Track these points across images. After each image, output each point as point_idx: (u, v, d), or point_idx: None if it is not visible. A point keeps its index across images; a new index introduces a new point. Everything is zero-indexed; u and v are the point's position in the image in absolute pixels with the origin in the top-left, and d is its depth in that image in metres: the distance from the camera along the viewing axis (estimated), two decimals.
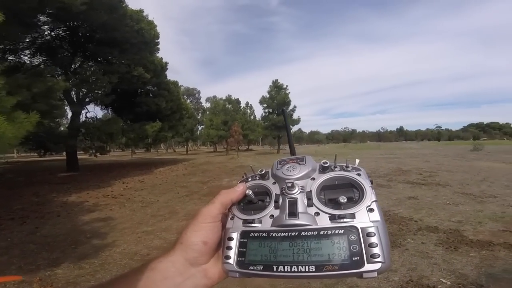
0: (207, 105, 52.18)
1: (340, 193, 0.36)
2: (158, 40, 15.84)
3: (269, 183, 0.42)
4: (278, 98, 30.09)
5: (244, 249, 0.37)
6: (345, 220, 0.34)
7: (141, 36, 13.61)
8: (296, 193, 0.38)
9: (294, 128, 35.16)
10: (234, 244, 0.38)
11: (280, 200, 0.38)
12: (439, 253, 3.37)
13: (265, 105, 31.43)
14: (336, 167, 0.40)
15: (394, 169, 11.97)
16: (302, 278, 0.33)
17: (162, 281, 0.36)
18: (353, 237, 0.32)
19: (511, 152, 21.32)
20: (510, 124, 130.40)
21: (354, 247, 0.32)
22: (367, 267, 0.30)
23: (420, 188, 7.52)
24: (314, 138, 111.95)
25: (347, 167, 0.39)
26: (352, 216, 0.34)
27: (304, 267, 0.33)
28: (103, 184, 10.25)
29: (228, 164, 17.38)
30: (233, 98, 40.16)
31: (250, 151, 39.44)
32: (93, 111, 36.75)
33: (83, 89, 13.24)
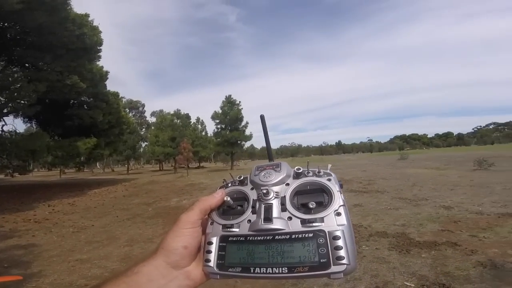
0: (152, 119, 48.79)
1: (311, 198, 0.38)
2: (101, 47, 14.68)
3: (247, 189, 0.43)
4: (231, 114, 29.89)
5: (223, 253, 0.39)
6: (314, 224, 0.36)
7: (81, 42, 12.46)
8: (271, 198, 0.39)
9: (247, 144, 35.19)
10: (213, 248, 0.39)
11: (257, 206, 0.40)
12: (395, 257, 3.49)
13: (217, 121, 30.90)
14: (309, 172, 0.41)
15: (338, 179, 12.81)
16: (276, 279, 0.36)
17: (146, 283, 0.37)
18: (321, 240, 0.34)
19: (430, 159, 25.11)
20: (427, 135, 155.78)
21: (322, 250, 0.34)
22: (333, 268, 0.32)
23: (363, 195, 8.05)
24: (265, 153, 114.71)
25: (319, 172, 0.41)
26: (321, 220, 0.36)
27: (278, 268, 0.35)
28: (23, 207, 8.92)
29: (176, 183, 16.36)
30: (182, 113, 38.43)
31: (202, 169, 37.95)
32: (12, 124, 31.03)
33: (1, 98, 11.34)
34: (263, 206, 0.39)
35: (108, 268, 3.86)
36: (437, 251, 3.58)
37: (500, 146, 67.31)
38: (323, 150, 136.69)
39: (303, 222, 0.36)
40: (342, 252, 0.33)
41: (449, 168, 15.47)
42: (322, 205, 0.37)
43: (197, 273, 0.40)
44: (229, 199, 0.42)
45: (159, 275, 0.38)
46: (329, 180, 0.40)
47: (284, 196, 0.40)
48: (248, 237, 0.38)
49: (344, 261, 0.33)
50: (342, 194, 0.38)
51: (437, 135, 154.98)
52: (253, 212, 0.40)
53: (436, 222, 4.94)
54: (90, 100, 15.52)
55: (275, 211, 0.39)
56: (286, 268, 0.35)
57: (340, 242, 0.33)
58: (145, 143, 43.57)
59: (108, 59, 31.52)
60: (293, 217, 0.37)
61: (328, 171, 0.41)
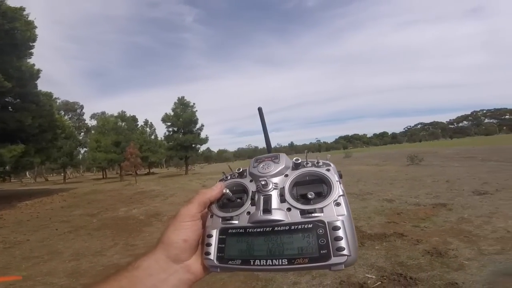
0: (93, 122, 43.90)
1: (310, 189, 0.38)
2: (34, 44, 13.20)
3: (246, 181, 0.43)
4: (184, 116, 28.38)
5: (223, 245, 0.38)
6: (314, 214, 0.35)
7: (9, 37, 11.24)
8: (270, 190, 0.39)
9: (203, 147, 33.95)
10: (213, 241, 0.39)
11: (256, 197, 0.40)
12: None
13: (169, 124, 29.13)
14: (308, 163, 0.41)
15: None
16: (276, 271, 0.36)
17: (147, 278, 0.37)
18: (321, 231, 0.34)
19: (370, 157, 27.77)
20: (366, 135, 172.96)
21: (322, 241, 0.33)
22: (334, 260, 0.32)
23: None
24: (222, 156, 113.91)
25: (317, 163, 0.41)
26: (321, 210, 0.35)
27: (277, 260, 0.34)
28: None
29: (123, 191, 14.94)
30: (128, 115, 35.31)
31: (152, 175, 35.46)
32: None
33: None
34: (262, 197, 0.39)
35: (56, 285, 3.50)
36: (388, 242, 3.81)
37: (427, 143, 78.75)
38: (277, 151, 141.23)
39: (303, 212, 0.36)
40: (342, 243, 0.32)
41: (387, 164, 17.29)
42: (322, 196, 0.37)
43: (197, 266, 0.40)
44: (228, 191, 0.42)
45: (159, 269, 0.38)
46: (328, 170, 0.39)
47: (283, 187, 0.39)
48: (248, 229, 0.38)
49: (344, 252, 0.32)
50: (341, 184, 0.37)
51: (375, 134, 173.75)
52: (252, 204, 0.40)
53: (382, 214, 5.32)
54: (16, 102, 13.42)
55: (274, 202, 0.38)
56: (286, 260, 0.34)
57: (340, 233, 0.33)
58: (85, 148, 38.99)
59: (43, 56, 27.44)
60: (292, 208, 0.37)
61: (327, 161, 0.41)
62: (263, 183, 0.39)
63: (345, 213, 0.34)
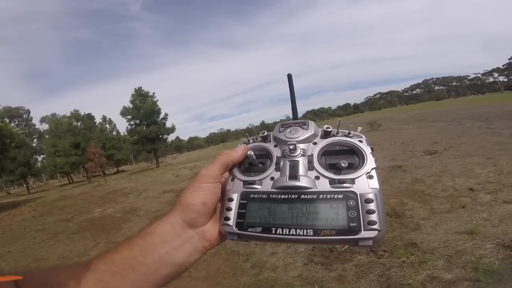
0: (44, 127, 40.00)
1: (341, 159, 0.35)
2: None
3: (270, 146, 0.41)
4: (144, 107, 27.00)
5: (244, 211, 0.36)
6: (344, 185, 0.33)
7: None
8: (297, 155, 0.37)
9: (172, 137, 32.91)
10: (234, 205, 0.37)
11: (281, 163, 0.38)
12: None
13: (129, 117, 27.59)
14: (338, 133, 0.39)
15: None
16: (300, 242, 0.33)
17: (161, 245, 0.35)
18: (351, 203, 0.32)
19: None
20: (331, 107, 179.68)
21: (352, 213, 0.31)
22: (364, 234, 0.30)
23: None
24: (194, 144, 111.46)
25: (349, 133, 0.38)
26: (352, 181, 0.33)
27: (302, 230, 0.32)
28: None
29: (94, 193, 14.29)
30: (82, 114, 32.60)
31: (122, 173, 33.85)
32: None
33: None
34: (288, 163, 0.37)
35: None
36: None
37: (386, 110, 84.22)
38: (250, 132, 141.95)
39: (332, 182, 0.34)
40: (374, 217, 0.30)
41: None
42: (353, 167, 0.35)
43: (213, 233, 0.38)
44: (252, 153, 0.40)
45: (174, 234, 0.36)
46: (361, 141, 0.37)
47: (312, 155, 0.37)
48: (271, 195, 0.36)
49: (376, 226, 0.30)
50: (374, 158, 0.35)
51: (338, 106, 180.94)
52: (277, 169, 0.37)
53: None
54: None
55: (302, 169, 0.36)
56: (311, 231, 0.32)
57: (372, 206, 0.31)
58: (42, 155, 35.78)
59: None
60: (321, 177, 0.35)
61: (358, 133, 0.38)
62: (291, 147, 0.37)
63: (378, 186, 0.33)
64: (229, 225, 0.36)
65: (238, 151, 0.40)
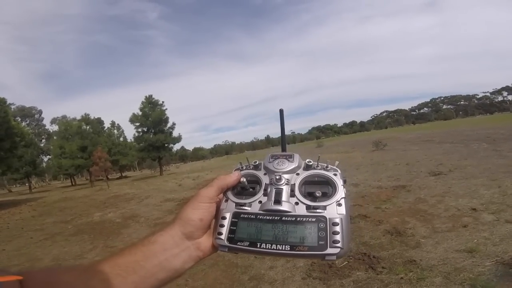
0: (54, 128, 40.88)
1: (317, 188, 0.42)
2: None
3: (260, 174, 0.47)
4: (153, 115, 27.44)
5: (234, 228, 0.42)
6: (318, 210, 0.40)
7: None
8: (282, 184, 0.43)
9: (177, 146, 33.17)
10: (226, 222, 0.43)
11: (269, 189, 0.44)
12: None
13: (137, 124, 28.04)
14: (318, 166, 0.45)
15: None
16: (279, 256, 0.40)
17: (161, 252, 0.40)
18: (322, 225, 0.38)
19: (340, 145, 29.03)
20: (337, 124, 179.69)
21: (322, 233, 0.38)
22: (329, 250, 0.36)
23: None
24: (198, 154, 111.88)
25: (327, 167, 0.45)
26: (324, 208, 0.40)
27: (281, 246, 0.39)
28: None
29: (96, 196, 14.35)
30: (92, 118, 33.28)
31: (125, 178, 33.97)
32: None
33: None
34: (274, 190, 0.43)
35: None
36: (353, 223, 4.13)
37: (392, 130, 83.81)
38: (254, 145, 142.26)
39: (308, 207, 0.40)
40: (338, 237, 0.37)
41: (354, 151, 18.31)
42: (326, 196, 0.41)
43: (207, 245, 0.44)
44: (244, 180, 0.46)
45: (173, 244, 0.41)
46: (335, 175, 0.43)
47: (294, 184, 0.44)
48: (258, 216, 0.42)
49: (339, 245, 0.37)
50: (345, 188, 0.42)
51: (344, 124, 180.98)
52: (265, 194, 0.44)
53: (348, 197, 5.73)
54: None
55: (285, 196, 0.42)
56: (288, 246, 0.38)
57: (338, 228, 0.37)
58: (49, 156, 36.32)
59: None
60: (299, 203, 0.42)
61: (335, 167, 0.45)
62: (277, 177, 0.44)
63: (344, 213, 0.39)
64: (221, 239, 0.42)
65: (232, 177, 0.46)
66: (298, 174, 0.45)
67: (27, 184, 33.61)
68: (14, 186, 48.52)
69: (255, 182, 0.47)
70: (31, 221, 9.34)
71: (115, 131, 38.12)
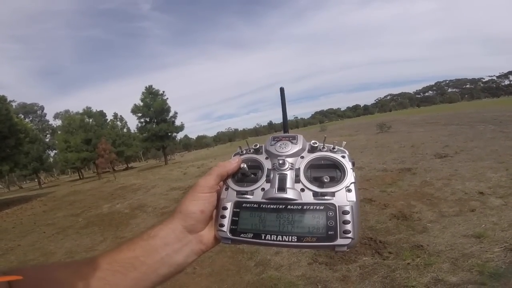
0: (58, 122, 41.09)
1: (324, 172, 0.39)
2: None
3: (262, 158, 0.44)
4: (154, 105, 27.28)
5: (237, 218, 0.40)
6: (326, 197, 0.37)
7: None
8: (286, 169, 0.40)
9: (181, 135, 33.28)
10: (228, 213, 0.40)
11: (271, 175, 0.41)
12: None
13: (139, 115, 27.97)
14: (324, 147, 0.42)
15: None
16: (286, 247, 0.38)
17: (162, 247, 0.38)
18: (331, 214, 0.36)
19: (344, 128, 28.92)
20: (340, 108, 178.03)
21: (331, 223, 0.35)
22: (339, 241, 0.34)
23: None
24: (202, 142, 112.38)
25: (333, 148, 0.42)
26: (332, 194, 0.37)
27: (288, 237, 0.36)
28: None
29: (103, 189, 14.59)
30: (94, 111, 33.28)
31: (131, 169, 34.41)
32: None
33: None
34: (277, 175, 0.40)
35: None
36: None
37: (396, 112, 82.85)
38: (257, 131, 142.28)
39: (315, 194, 0.38)
40: (349, 226, 0.34)
41: (358, 134, 18.11)
42: (334, 180, 0.38)
43: (209, 237, 0.41)
44: (245, 166, 0.42)
45: (175, 238, 0.39)
46: (343, 157, 0.40)
47: (299, 168, 0.41)
48: (261, 205, 0.39)
49: (350, 235, 0.34)
50: (354, 172, 0.39)
51: (348, 107, 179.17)
52: (267, 181, 0.41)
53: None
54: None
55: (289, 182, 0.39)
56: (295, 237, 0.36)
57: (348, 217, 0.35)
58: (55, 151, 36.78)
59: None
60: (305, 189, 0.39)
61: (342, 148, 0.42)
62: (280, 162, 0.41)
63: (355, 199, 0.37)
64: (223, 231, 0.39)
65: (232, 163, 0.43)
66: (302, 157, 0.42)
67: (36, 180, 34.29)
68: (24, 182, 49.56)
69: (256, 167, 0.44)
70: (43, 216, 9.53)
71: (118, 122, 38.20)
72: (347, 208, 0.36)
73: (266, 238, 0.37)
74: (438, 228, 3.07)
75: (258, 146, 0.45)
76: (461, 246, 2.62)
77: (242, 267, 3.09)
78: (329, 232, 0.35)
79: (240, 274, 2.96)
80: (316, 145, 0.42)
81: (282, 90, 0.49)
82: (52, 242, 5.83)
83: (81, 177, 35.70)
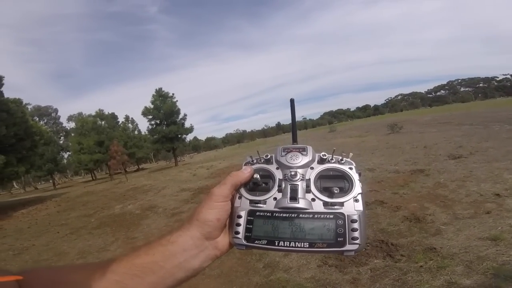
0: (71, 125, 42.25)
1: (333, 183, 0.42)
2: None
3: (273, 168, 0.46)
4: (164, 108, 27.74)
5: (251, 226, 0.42)
6: (335, 207, 0.40)
7: None
8: (297, 180, 0.42)
9: (190, 137, 33.64)
10: (242, 221, 0.42)
11: (283, 185, 0.43)
12: None
13: (150, 117, 28.47)
14: (333, 159, 0.44)
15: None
16: (298, 252, 0.41)
17: (181, 253, 0.40)
18: (340, 222, 0.39)
19: (353, 129, 28.45)
20: (350, 109, 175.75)
21: (340, 230, 0.38)
22: (348, 247, 0.37)
23: None
24: (211, 144, 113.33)
25: (341, 160, 0.44)
26: (341, 204, 0.40)
27: (300, 243, 0.39)
28: None
29: (115, 190, 14.91)
30: (106, 113, 34.11)
31: (142, 171, 35.03)
32: None
33: None
34: (289, 186, 0.42)
35: None
36: (370, 210, 4.05)
37: (407, 113, 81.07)
38: (265, 133, 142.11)
39: (326, 204, 0.40)
40: (357, 234, 0.37)
41: (368, 135, 17.84)
42: (343, 191, 0.41)
43: (224, 243, 0.43)
44: (258, 176, 0.44)
45: (193, 245, 0.41)
46: (351, 168, 0.43)
47: (309, 179, 0.43)
48: (274, 213, 0.41)
49: (357, 241, 0.37)
50: (360, 183, 0.41)
51: (357, 108, 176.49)
52: (279, 190, 0.43)
53: (363, 183, 5.55)
54: None
55: (300, 192, 0.41)
56: (307, 243, 0.39)
57: (356, 225, 0.38)
58: (68, 152, 37.85)
59: None
60: (316, 199, 0.41)
61: (349, 160, 0.44)
62: (292, 173, 0.43)
63: (362, 209, 0.39)
64: (238, 238, 0.42)
65: (245, 173, 0.45)
66: (312, 168, 0.44)
67: (51, 181, 35.35)
68: (39, 183, 51.19)
69: (267, 177, 0.45)
70: (57, 216, 9.78)
71: (130, 125, 38.98)
72: (355, 217, 0.38)
73: (279, 244, 0.40)
74: (452, 231, 2.99)
75: (268, 156, 0.47)
76: (476, 249, 2.55)
77: (251, 269, 3.09)
78: (338, 239, 0.38)
79: (248, 275, 2.97)
80: (325, 157, 0.45)
81: (292, 101, 0.51)
82: (65, 242, 5.97)
83: (94, 178, 36.60)
